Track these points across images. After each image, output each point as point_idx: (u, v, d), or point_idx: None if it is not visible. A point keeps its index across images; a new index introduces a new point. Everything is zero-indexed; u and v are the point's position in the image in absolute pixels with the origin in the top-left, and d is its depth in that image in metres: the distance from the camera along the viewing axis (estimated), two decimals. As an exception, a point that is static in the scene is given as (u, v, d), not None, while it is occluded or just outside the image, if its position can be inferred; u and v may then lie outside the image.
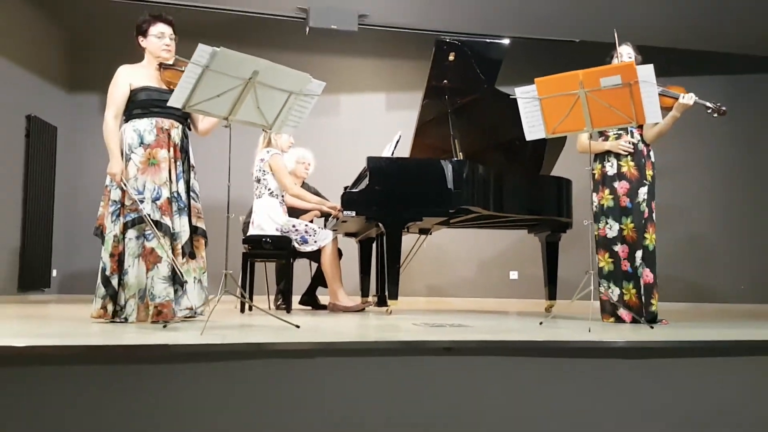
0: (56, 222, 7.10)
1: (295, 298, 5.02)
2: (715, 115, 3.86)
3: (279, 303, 5.37)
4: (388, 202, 4.38)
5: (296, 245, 4.75)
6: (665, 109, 3.78)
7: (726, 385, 2.57)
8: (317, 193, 5.41)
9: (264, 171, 4.82)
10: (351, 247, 5.81)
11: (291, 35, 7.22)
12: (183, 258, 3.50)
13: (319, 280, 5.19)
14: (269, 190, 4.81)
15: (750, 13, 6.58)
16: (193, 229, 3.58)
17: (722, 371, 2.59)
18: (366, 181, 4.48)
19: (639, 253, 3.85)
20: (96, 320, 3.40)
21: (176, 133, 3.57)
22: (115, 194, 3.46)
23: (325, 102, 6.72)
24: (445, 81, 4.92)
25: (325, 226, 5.43)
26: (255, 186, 4.88)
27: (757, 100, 7.95)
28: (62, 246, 7.17)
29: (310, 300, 5.33)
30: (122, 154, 3.48)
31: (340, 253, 4.89)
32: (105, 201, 3.50)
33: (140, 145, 3.47)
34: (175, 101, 3.09)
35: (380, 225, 4.47)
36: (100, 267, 3.44)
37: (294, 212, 5.14)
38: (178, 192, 3.52)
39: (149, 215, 3.38)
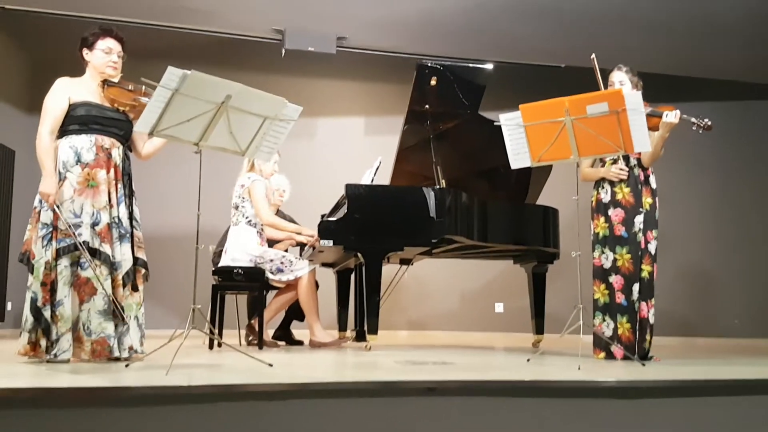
0: (12, 251, 6.69)
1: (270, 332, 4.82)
2: (701, 131, 3.79)
3: (250, 338, 5.14)
4: (368, 232, 4.26)
5: (270, 275, 4.55)
6: (653, 129, 3.70)
7: (720, 426, 2.46)
8: (293, 222, 5.23)
9: (243, 198, 4.64)
10: (328, 279, 5.62)
11: (267, 57, 7.04)
12: (125, 290, 3.24)
13: (293, 313, 4.99)
14: (247, 218, 4.63)
15: (733, 41, 6.59)
16: (134, 260, 3.34)
17: (716, 411, 2.48)
18: (344, 209, 4.35)
19: (636, 286, 3.71)
20: (27, 358, 3.15)
21: (117, 153, 3.34)
22: (46, 216, 3.18)
23: (302, 126, 6.56)
24: (427, 106, 4.82)
25: (300, 255, 5.25)
26: (232, 212, 4.69)
27: (744, 128, 7.92)
28: (18, 277, 6.75)
29: (284, 335, 5.13)
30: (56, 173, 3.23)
31: (317, 285, 4.71)
32: (33, 224, 3.23)
33: (77, 164, 3.23)
34: (142, 126, 2.94)
35: (359, 255, 4.34)
36: (29, 297, 3.16)
37: (267, 241, 4.94)
38: (119, 217, 3.27)
39: (87, 242, 3.14)
